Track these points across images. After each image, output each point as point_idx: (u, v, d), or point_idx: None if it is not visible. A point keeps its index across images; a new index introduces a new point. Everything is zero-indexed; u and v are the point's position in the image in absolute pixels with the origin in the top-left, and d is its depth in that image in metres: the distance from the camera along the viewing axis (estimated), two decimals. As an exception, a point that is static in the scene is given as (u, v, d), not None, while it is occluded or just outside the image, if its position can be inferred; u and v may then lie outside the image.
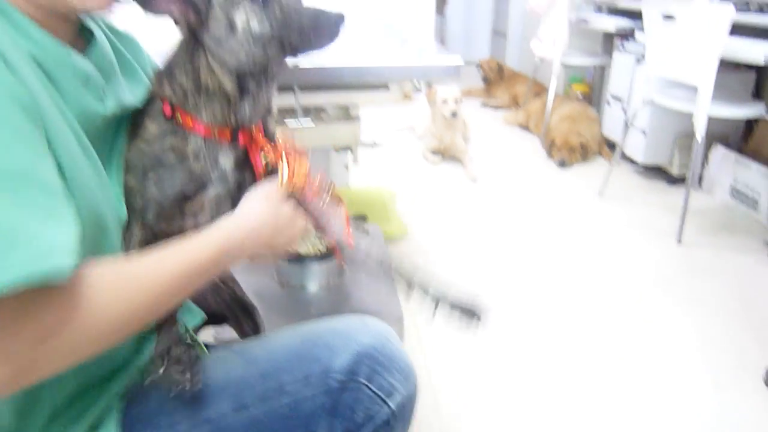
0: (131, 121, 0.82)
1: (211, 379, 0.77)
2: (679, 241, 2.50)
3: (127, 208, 0.78)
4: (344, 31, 0.78)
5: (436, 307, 0.84)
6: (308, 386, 0.75)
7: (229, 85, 0.79)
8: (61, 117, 0.64)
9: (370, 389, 0.75)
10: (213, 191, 0.82)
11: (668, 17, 2.50)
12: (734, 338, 1.86)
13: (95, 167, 0.70)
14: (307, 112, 1.72)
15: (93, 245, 0.65)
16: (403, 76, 1.30)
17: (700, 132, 2.45)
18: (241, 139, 0.81)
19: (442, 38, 7.40)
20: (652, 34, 2.66)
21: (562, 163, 3.39)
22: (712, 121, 2.47)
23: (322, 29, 0.76)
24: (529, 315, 2.00)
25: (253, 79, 0.79)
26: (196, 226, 0.83)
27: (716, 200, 2.96)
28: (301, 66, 1.28)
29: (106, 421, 0.74)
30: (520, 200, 3.00)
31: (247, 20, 0.75)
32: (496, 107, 4.80)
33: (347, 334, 0.79)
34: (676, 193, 3.01)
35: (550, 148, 3.51)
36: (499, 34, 6.22)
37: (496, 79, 4.98)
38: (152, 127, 0.80)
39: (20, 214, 0.50)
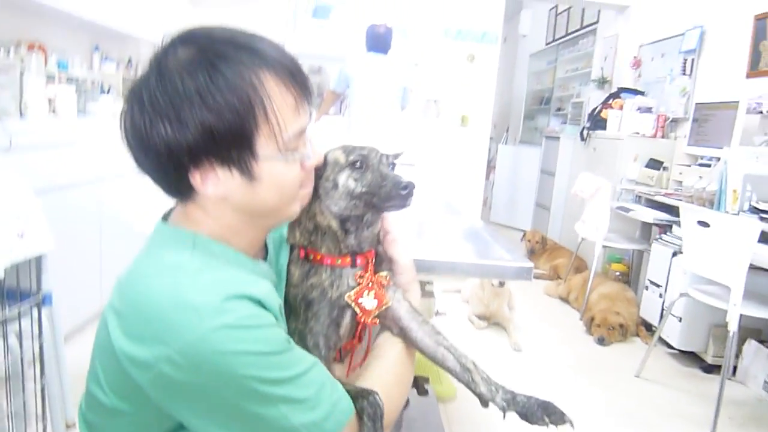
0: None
1: None
2: None
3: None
4: (412, 201, 1.02)
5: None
6: None
7: (334, 224, 1.02)
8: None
9: None
10: (349, 310, 1.05)
11: (703, 223, 2.82)
12: None
13: None
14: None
15: None
16: (481, 273, 1.60)
17: (732, 327, 2.67)
18: (359, 261, 1.04)
19: (486, 202, 7.88)
20: (688, 237, 2.97)
21: (601, 341, 3.59)
22: (745, 316, 2.69)
23: (395, 198, 0.99)
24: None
25: (352, 223, 1.02)
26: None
27: (750, 392, 3.09)
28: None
29: None
30: (560, 373, 3.18)
31: (346, 181, 1.02)
32: (538, 277, 5.09)
33: None
34: (710, 381, 3.16)
35: (590, 324, 3.73)
36: (541, 207, 6.66)
37: (539, 250, 5.32)
38: (296, 272, 1.03)
39: (326, 383, 0.85)
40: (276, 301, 0.88)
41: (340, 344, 1.07)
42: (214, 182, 0.85)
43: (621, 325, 3.64)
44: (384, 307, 1.05)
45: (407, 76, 4.63)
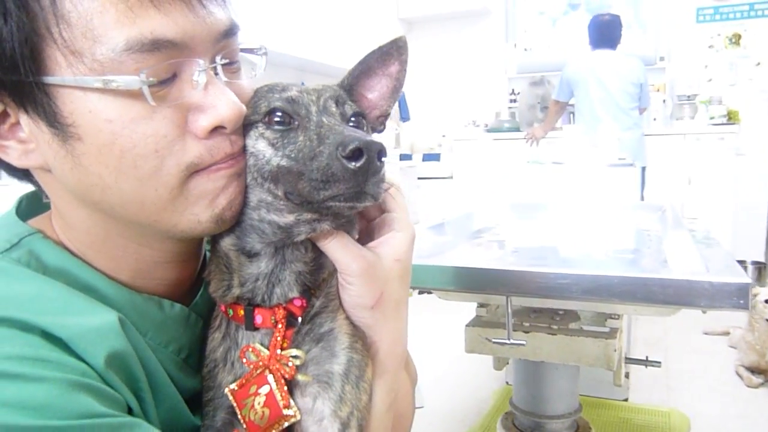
0: None
1: None
2: None
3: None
4: (382, 187, 0.52)
5: None
6: None
7: (222, 234, 0.59)
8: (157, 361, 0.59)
9: None
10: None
11: None
12: None
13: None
14: (553, 317, 1.41)
15: None
16: (646, 296, 0.93)
17: None
18: (260, 319, 0.58)
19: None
20: None
21: None
22: None
23: (337, 179, 0.51)
24: None
25: (263, 237, 0.57)
26: None
27: None
28: (516, 269, 1.03)
29: None
30: None
31: (256, 145, 0.56)
32: None
33: None
34: None
35: None
36: None
37: None
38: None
39: None
40: (109, 345, 0.51)
41: None
42: (21, 139, 0.53)
43: None
44: (284, 425, 0.57)
45: (643, 71, 3.84)
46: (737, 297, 0.87)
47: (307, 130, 0.54)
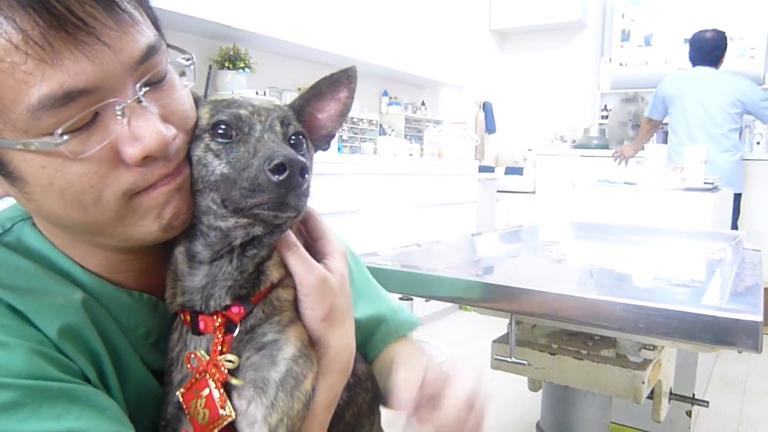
0: None
1: None
2: None
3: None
4: (304, 202, 0.58)
5: None
6: None
7: (178, 238, 0.64)
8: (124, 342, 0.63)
9: None
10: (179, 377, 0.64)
11: None
12: None
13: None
14: (587, 342, 1.36)
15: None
16: (644, 326, 0.87)
17: None
18: (202, 326, 0.62)
19: None
20: None
21: None
22: None
23: (261, 188, 0.55)
24: None
25: (204, 239, 0.61)
26: None
27: None
28: (519, 286, 1.00)
29: None
30: None
31: (204, 157, 0.60)
32: None
33: None
34: None
35: None
36: None
37: None
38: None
39: None
40: (63, 319, 0.56)
41: None
42: None
43: None
44: (222, 424, 0.60)
45: (752, 90, 3.58)
46: (746, 336, 0.80)
47: (248, 143, 0.58)
